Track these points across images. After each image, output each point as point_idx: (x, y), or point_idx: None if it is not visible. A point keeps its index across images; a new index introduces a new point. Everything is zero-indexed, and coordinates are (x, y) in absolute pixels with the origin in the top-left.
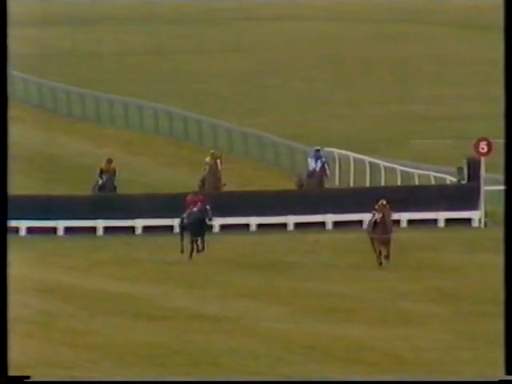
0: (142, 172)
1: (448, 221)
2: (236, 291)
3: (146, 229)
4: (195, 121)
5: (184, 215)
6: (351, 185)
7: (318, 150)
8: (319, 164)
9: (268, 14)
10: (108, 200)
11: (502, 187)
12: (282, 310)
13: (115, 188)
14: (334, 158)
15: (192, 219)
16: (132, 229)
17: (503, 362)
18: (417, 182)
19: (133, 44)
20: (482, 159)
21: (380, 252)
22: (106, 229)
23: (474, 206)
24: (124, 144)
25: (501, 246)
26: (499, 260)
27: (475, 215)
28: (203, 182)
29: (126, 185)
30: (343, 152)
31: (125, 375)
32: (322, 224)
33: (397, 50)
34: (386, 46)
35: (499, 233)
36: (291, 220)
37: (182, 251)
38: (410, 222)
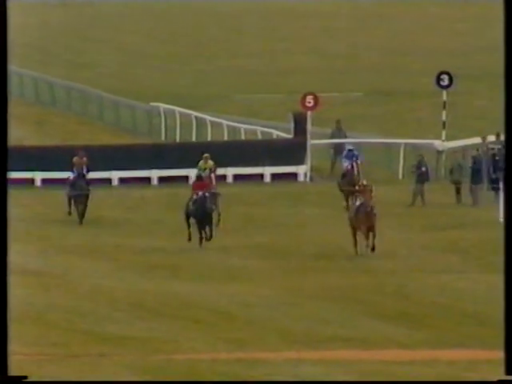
0: None
1: (274, 175)
2: (60, 247)
3: None
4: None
5: (190, 201)
6: (177, 140)
7: (351, 150)
8: (351, 163)
9: None
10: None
11: (327, 141)
12: (106, 266)
13: (88, 182)
14: (159, 113)
15: (197, 206)
16: None
17: (503, 362)
18: (243, 137)
19: None
20: (309, 113)
21: (367, 238)
22: None
23: (300, 160)
24: None
25: (327, 200)
26: (325, 214)
27: (301, 170)
28: None
29: None
30: (169, 107)
31: None
32: (148, 180)
33: (227, 5)
34: (216, 1)
35: (325, 187)
36: (115, 175)
37: (190, 239)
38: (237, 177)
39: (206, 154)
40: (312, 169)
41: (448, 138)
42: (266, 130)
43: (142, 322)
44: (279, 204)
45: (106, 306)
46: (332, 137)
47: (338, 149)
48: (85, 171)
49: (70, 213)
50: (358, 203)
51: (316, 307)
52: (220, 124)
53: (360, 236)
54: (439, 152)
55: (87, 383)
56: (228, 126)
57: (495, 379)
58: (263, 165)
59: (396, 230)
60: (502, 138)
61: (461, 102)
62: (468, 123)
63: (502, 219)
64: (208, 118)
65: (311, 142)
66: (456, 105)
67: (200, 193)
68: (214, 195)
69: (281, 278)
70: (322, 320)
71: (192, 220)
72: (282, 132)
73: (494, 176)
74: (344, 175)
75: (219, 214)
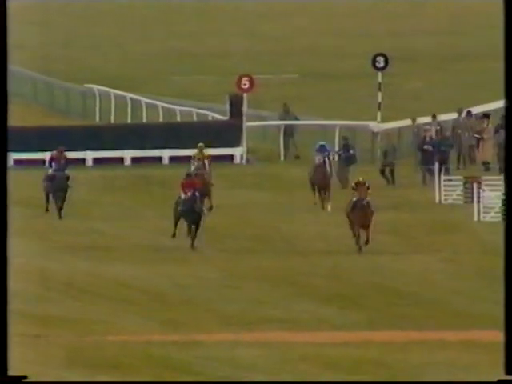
0: None
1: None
2: None
3: None
4: None
5: (179, 201)
6: (112, 121)
7: (323, 145)
8: (323, 158)
9: None
10: None
11: (264, 123)
12: (38, 246)
13: (67, 178)
14: (93, 95)
15: (187, 207)
16: None
17: (503, 363)
18: (179, 119)
19: None
20: (245, 95)
21: (359, 236)
22: None
23: (236, 142)
24: None
25: (264, 183)
26: (262, 196)
27: (238, 152)
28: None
29: None
30: (104, 88)
31: None
32: (83, 161)
33: None
34: None
35: (261, 169)
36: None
37: (174, 235)
38: (172, 158)
39: (200, 144)
40: (248, 151)
41: (383, 120)
42: (201, 111)
43: (76, 303)
44: (215, 186)
45: (38, 285)
46: (279, 118)
47: (288, 132)
48: (64, 166)
49: (47, 209)
50: (354, 199)
51: (251, 289)
52: (155, 106)
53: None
54: (374, 133)
55: (88, 383)
56: (163, 107)
57: (495, 379)
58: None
59: (330, 211)
60: (439, 118)
61: (396, 84)
62: (403, 105)
63: (437, 200)
64: (143, 99)
65: (247, 123)
66: (391, 86)
67: (189, 193)
68: (205, 191)
69: (217, 259)
70: (258, 301)
71: (182, 221)
72: (217, 114)
73: (426, 156)
74: (315, 169)
75: (210, 207)
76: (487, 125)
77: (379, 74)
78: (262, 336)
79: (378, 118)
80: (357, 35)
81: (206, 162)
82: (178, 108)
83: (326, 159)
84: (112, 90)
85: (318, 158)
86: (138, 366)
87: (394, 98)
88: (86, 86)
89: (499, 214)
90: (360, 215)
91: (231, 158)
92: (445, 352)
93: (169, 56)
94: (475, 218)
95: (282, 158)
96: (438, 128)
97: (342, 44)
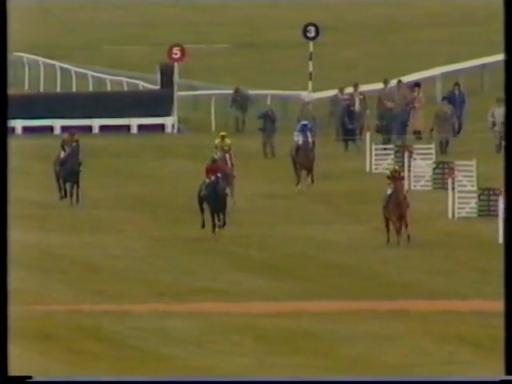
0: None
1: (141, 127)
2: None
3: None
4: None
5: (202, 185)
6: (41, 90)
7: (306, 125)
8: (305, 137)
9: None
10: None
11: (194, 92)
12: None
13: (79, 162)
14: (22, 64)
15: (209, 190)
16: None
17: (503, 363)
18: (109, 88)
19: None
20: (176, 65)
21: (399, 230)
22: None
23: (167, 111)
24: None
25: (195, 152)
26: (193, 166)
27: (168, 121)
28: None
29: None
30: (32, 57)
31: None
32: (12, 129)
33: None
34: None
35: (192, 139)
36: None
37: (203, 225)
38: (103, 128)
39: (222, 133)
40: (179, 120)
41: (315, 90)
42: (131, 81)
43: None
44: (147, 156)
45: None
46: (233, 100)
47: (241, 106)
48: (76, 150)
49: (62, 197)
50: (389, 192)
51: (183, 259)
52: (85, 75)
53: (391, 225)
54: (306, 103)
55: (88, 383)
56: (93, 76)
57: (497, 379)
58: (129, 116)
59: (258, 181)
60: (361, 88)
61: (328, 54)
62: (335, 75)
63: (368, 169)
64: (73, 68)
65: (178, 93)
66: (323, 56)
67: (213, 177)
68: (228, 177)
69: (148, 229)
70: (189, 272)
71: (205, 205)
72: (148, 83)
73: (350, 126)
74: (298, 150)
75: (233, 200)
76: (418, 94)
77: (310, 43)
78: (194, 307)
79: (310, 88)
80: (288, 5)
81: (227, 155)
82: (108, 77)
83: (309, 139)
84: (41, 59)
85: (299, 138)
86: (67, 336)
87: (325, 68)
88: (14, 54)
89: (430, 183)
90: (395, 208)
91: (162, 127)
92: (375, 322)
93: (100, 25)
94: (406, 187)
95: (214, 127)
96: (362, 97)
97: (274, 14)
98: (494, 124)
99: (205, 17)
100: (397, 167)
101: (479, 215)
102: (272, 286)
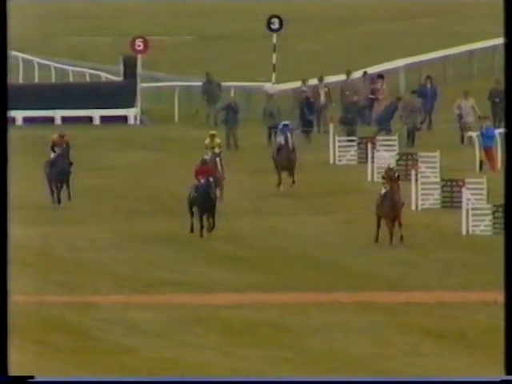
0: None
1: (104, 118)
2: None
3: None
4: None
5: (192, 188)
6: None
7: (287, 125)
8: (285, 138)
9: None
10: None
11: (158, 84)
12: None
13: (70, 163)
14: None
15: (199, 193)
16: None
17: (503, 363)
18: (72, 80)
19: None
20: (139, 56)
21: (391, 230)
22: None
23: (129, 103)
24: None
25: (158, 144)
26: (156, 157)
27: (131, 112)
28: None
29: None
30: None
31: None
32: None
33: None
34: None
35: (155, 130)
36: None
37: (192, 230)
38: (65, 119)
39: (212, 132)
40: (142, 112)
41: (278, 81)
42: (94, 72)
43: None
44: (109, 147)
45: None
46: (204, 89)
47: (210, 98)
48: (66, 151)
49: (54, 202)
50: (383, 191)
51: (145, 250)
52: (48, 66)
53: (384, 224)
54: (270, 95)
55: (89, 383)
56: (56, 68)
57: (498, 379)
58: (92, 107)
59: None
60: (326, 80)
61: (291, 46)
62: (298, 67)
63: (331, 161)
64: (35, 59)
65: (141, 85)
66: (286, 48)
67: (202, 180)
68: (218, 180)
69: (110, 220)
70: (152, 264)
71: (195, 208)
72: (111, 75)
73: (309, 118)
74: (279, 150)
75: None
76: (382, 85)
77: (274, 35)
78: (156, 298)
79: (273, 80)
80: None
81: (218, 159)
82: (70, 68)
83: (289, 140)
84: None
85: (280, 139)
86: (29, 327)
87: (289, 60)
88: None
89: None
90: (389, 208)
91: (125, 119)
92: (340, 314)
93: (63, 17)
94: (369, 179)
95: (177, 119)
96: (327, 90)
97: (238, 6)
98: (460, 116)
99: (168, 9)
100: (391, 166)
101: (442, 206)
102: (236, 278)
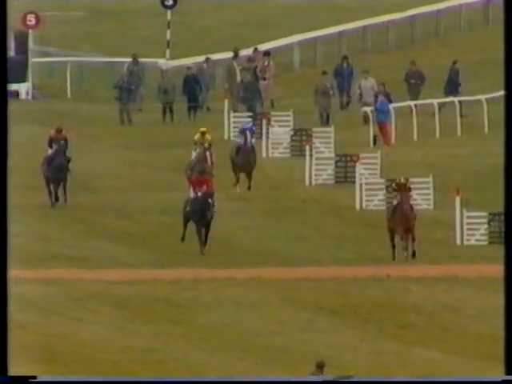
0: None
1: None
2: None
3: None
4: None
5: (188, 200)
6: None
7: (247, 127)
8: (244, 138)
9: None
10: None
11: (49, 59)
12: None
13: (68, 160)
14: None
15: (195, 208)
16: None
17: (503, 363)
18: None
19: None
20: (30, 32)
21: (405, 244)
22: None
23: (21, 78)
24: None
25: (47, 118)
26: (44, 132)
27: (23, 87)
28: (192, 169)
29: None
30: None
31: None
32: None
33: None
34: None
35: (47, 105)
36: None
37: (183, 239)
38: None
39: (202, 129)
40: (34, 87)
41: (172, 58)
42: None
43: None
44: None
45: None
46: (128, 69)
47: (136, 79)
48: (64, 147)
49: (53, 203)
50: (394, 202)
51: (39, 225)
52: None
53: (398, 239)
54: (163, 71)
55: (91, 383)
56: None
57: (498, 379)
58: None
59: (118, 149)
60: (215, 57)
61: (186, 22)
62: (192, 43)
63: (226, 137)
64: None
65: (33, 60)
66: (181, 24)
67: (200, 193)
68: (213, 195)
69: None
70: (43, 238)
71: (191, 223)
72: None
73: (196, 94)
74: (238, 151)
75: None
76: (268, 63)
77: (168, 12)
78: (49, 273)
79: (167, 56)
80: None
81: (208, 153)
82: None
83: (248, 141)
84: None
85: (241, 140)
86: None
87: (183, 36)
88: None
89: (288, 150)
90: (401, 220)
91: (17, 94)
92: (234, 289)
93: None
94: (264, 154)
95: (69, 94)
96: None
97: None
98: (360, 96)
99: None
100: (403, 178)
101: (336, 182)
102: (129, 254)
